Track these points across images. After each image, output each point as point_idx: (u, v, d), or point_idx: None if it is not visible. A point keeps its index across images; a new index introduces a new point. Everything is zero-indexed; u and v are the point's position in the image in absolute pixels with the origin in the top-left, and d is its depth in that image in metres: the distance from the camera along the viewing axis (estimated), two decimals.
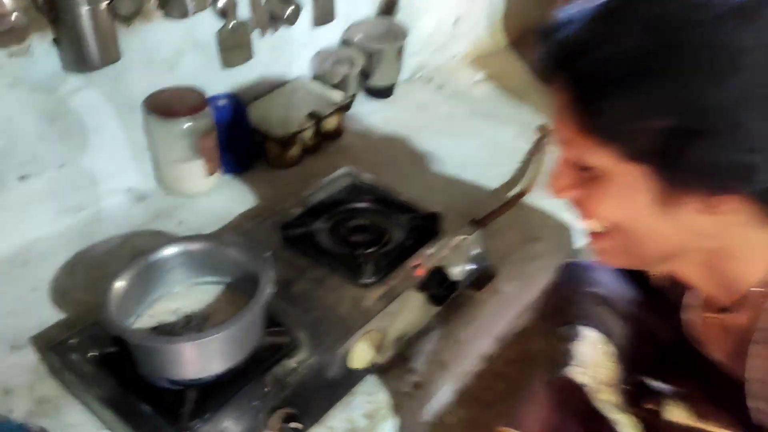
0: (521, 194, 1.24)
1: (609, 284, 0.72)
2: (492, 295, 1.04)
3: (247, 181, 1.25)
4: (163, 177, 1.20)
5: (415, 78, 1.64)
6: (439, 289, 0.97)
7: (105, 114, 1.10)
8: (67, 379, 0.85)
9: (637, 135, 0.51)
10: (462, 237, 1.02)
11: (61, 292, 1.00)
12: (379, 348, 0.90)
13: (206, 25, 1.17)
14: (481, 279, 1.04)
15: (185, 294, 0.87)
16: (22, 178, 1.04)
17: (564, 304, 0.71)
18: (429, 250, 0.98)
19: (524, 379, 0.75)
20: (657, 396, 0.62)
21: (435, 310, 0.98)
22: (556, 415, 0.67)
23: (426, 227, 1.03)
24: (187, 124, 1.12)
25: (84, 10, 0.94)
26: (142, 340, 0.78)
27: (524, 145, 1.38)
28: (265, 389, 0.80)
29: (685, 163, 0.50)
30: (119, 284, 0.81)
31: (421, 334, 0.97)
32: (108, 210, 1.16)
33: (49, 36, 0.98)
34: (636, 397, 0.64)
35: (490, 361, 1.08)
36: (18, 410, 0.84)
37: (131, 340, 0.77)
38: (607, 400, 0.62)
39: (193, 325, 0.83)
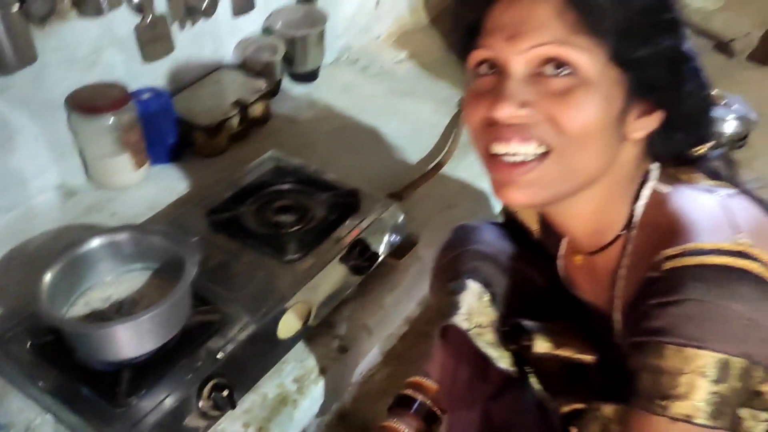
0: (440, 165, 1.32)
1: (492, 242, 0.79)
2: (414, 262, 1.12)
3: (176, 170, 1.29)
4: (92, 172, 1.23)
5: (340, 60, 1.70)
6: (361, 260, 1.04)
7: (27, 114, 1.12)
8: (7, 369, 0.89)
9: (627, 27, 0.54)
10: (380, 210, 1.09)
11: None
12: (306, 318, 0.96)
13: (124, 20, 1.20)
14: (403, 247, 1.12)
15: (116, 282, 0.92)
16: None
17: (453, 262, 0.78)
18: (349, 224, 1.05)
19: None
20: (530, 333, 0.70)
21: (358, 279, 1.05)
22: (451, 359, 0.75)
23: (347, 203, 1.09)
24: (110, 120, 1.16)
25: None
26: (75, 327, 0.83)
27: (443, 120, 1.46)
28: (198, 363, 0.85)
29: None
30: (49, 276, 0.85)
31: (345, 302, 1.04)
32: (39, 207, 1.19)
33: None
34: (513, 336, 0.72)
35: (413, 323, 1.17)
36: None
37: (64, 327, 0.82)
38: (488, 341, 0.71)
39: (124, 310, 0.88)
